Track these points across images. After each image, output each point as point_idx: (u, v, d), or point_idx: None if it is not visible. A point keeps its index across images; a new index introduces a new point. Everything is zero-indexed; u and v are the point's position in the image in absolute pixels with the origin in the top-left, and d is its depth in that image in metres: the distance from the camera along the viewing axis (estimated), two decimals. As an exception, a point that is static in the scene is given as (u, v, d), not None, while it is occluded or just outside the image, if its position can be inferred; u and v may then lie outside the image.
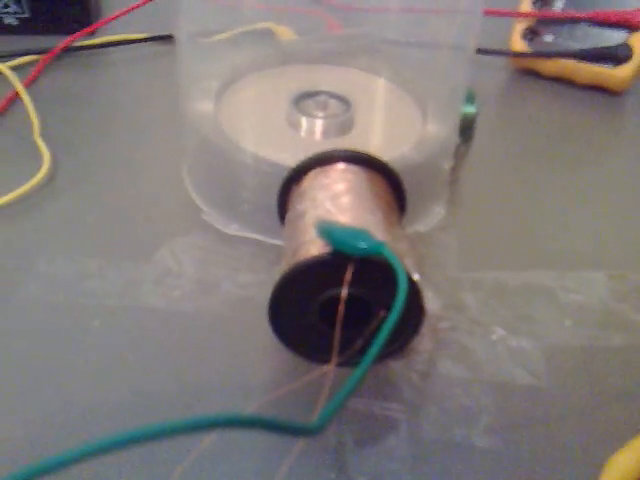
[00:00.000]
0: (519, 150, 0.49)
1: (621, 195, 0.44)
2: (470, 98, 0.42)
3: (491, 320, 0.33)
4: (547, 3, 0.54)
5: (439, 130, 0.40)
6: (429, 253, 0.37)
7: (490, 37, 0.54)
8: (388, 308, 0.25)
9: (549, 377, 0.31)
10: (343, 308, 0.26)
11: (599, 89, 0.55)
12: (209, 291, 0.34)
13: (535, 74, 0.57)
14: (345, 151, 0.33)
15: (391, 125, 0.42)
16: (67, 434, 0.27)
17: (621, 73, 0.53)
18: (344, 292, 0.26)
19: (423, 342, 0.32)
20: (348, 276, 0.26)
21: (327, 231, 0.27)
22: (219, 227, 0.38)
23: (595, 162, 0.48)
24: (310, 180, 0.33)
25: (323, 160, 0.33)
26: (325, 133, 0.39)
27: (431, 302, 0.34)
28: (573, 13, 0.54)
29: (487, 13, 0.54)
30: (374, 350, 0.23)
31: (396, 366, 0.31)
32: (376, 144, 0.39)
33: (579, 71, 0.54)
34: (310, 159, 0.33)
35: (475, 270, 0.36)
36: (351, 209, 0.30)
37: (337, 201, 0.30)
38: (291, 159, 0.34)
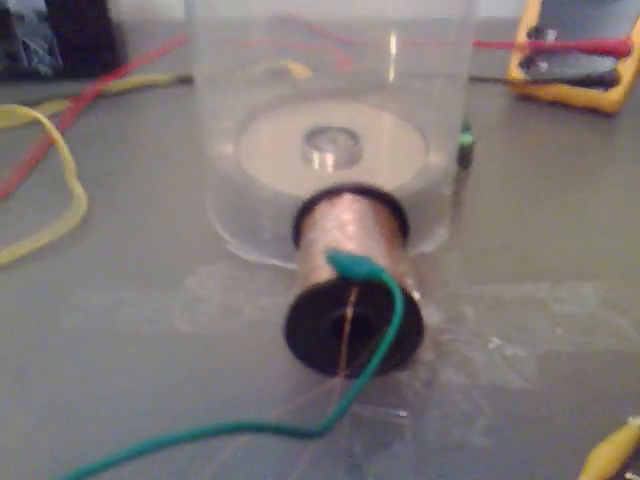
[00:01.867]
0: (518, 172, 0.50)
1: (613, 212, 0.46)
2: (466, 127, 0.45)
3: (488, 331, 0.35)
4: (540, 35, 0.57)
5: (440, 159, 0.42)
6: (433, 271, 0.40)
7: (490, 67, 0.58)
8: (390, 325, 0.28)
9: (540, 381, 0.33)
10: (348, 326, 0.29)
11: (593, 111, 0.57)
12: (233, 315, 0.36)
13: (532, 99, 0.59)
14: (351, 184, 0.36)
15: (396, 156, 0.44)
16: (104, 452, 0.29)
17: (613, 96, 0.55)
18: (349, 312, 0.29)
19: (426, 353, 0.34)
20: (352, 298, 0.29)
21: (334, 258, 0.30)
22: (241, 255, 0.40)
23: (589, 181, 0.50)
24: (320, 210, 0.36)
25: (332, 192, 0.36)
26: (336, 165, 0.42)
27: (433, 316, 0.36)
28: (564, 43, 0.56)
29: (485, 45, 0.58)
30: (373, 363, 0.26)
31: (401, 376, 0.33)
32: (382, 174, 0.42)
33: (573, 95, 0.57)
34: (320, 192, 0.36)
35: (475, 285, 0.38)
36: (356, 237, 0.33)
37: (344, 230, 0.33)
38: (306, 191, 0.36)
